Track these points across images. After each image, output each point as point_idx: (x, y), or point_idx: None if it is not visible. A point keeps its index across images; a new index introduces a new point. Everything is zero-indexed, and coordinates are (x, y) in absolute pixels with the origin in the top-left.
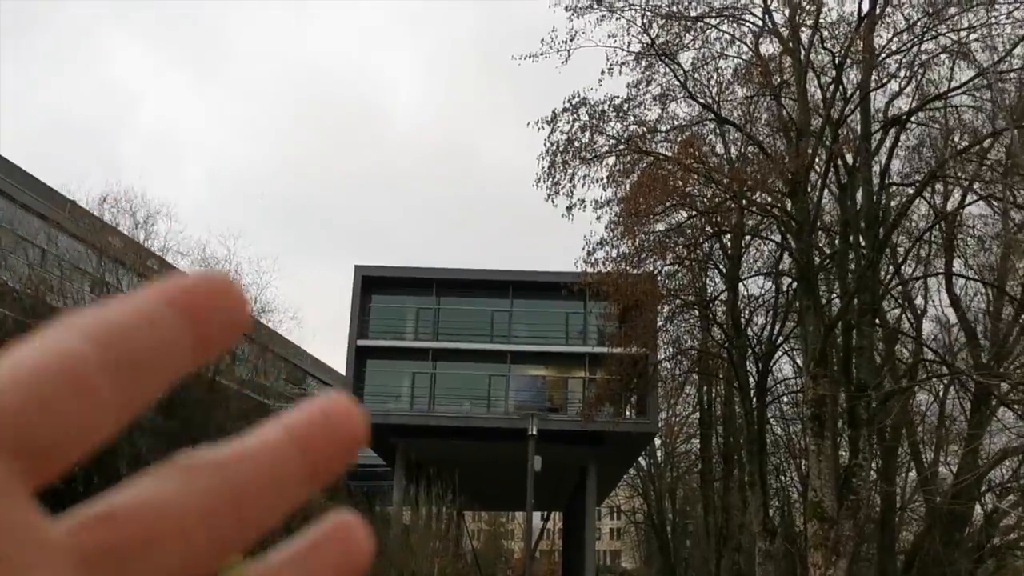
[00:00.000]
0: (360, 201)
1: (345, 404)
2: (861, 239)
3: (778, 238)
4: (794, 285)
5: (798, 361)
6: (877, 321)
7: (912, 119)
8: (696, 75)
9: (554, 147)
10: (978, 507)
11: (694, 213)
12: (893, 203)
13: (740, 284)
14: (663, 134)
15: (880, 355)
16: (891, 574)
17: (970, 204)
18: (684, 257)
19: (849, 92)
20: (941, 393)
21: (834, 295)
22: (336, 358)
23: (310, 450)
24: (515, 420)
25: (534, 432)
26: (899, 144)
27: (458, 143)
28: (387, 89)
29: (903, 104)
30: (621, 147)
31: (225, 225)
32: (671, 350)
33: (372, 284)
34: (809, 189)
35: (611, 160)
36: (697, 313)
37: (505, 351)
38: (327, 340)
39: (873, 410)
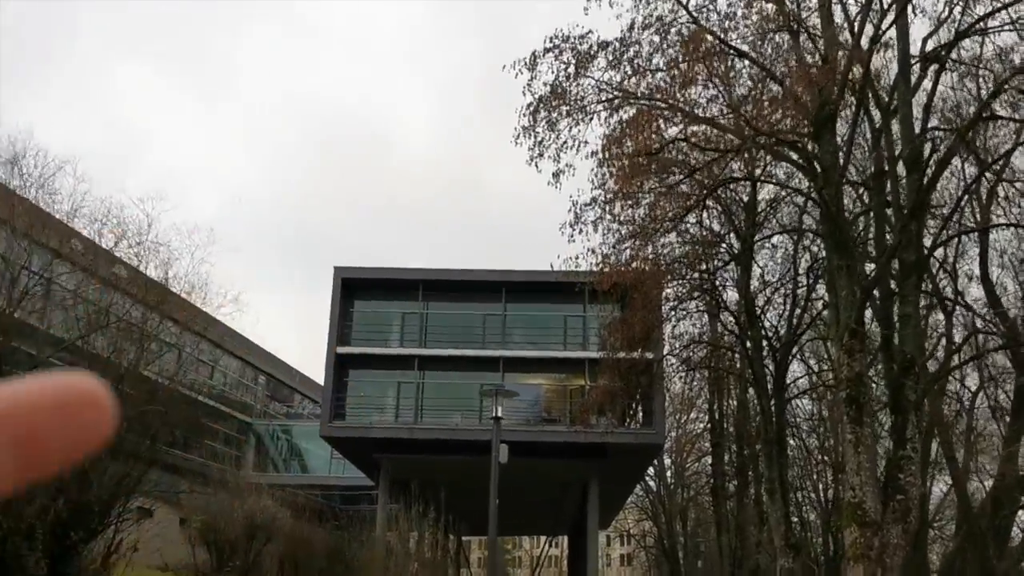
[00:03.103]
0: (362, 229)
1: (75, 378)
2: (900, 190)
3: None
4: (816, 263)
5: (811, 364)
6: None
7: (952, 56)
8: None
9: (536, 100)
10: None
11: (698, 165)
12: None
13: (754, 263)
14: (662, 75)
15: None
16: None
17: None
18: (692, 207)
19: (886, 3)
20: (974, 390)
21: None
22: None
23: (13, 425)
24: (512, 433)
25: (499, 415)
26: (937, 90)
27: (460, 171)
28: (390, 119)
29: (944, 38)
30: (613, 94)
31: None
32: (678, 345)
33: (353, 287)
34: (837, 133)
35: (601, 123)
36: (706, 300)
37: (498, 357)
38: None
39: (922, 390)
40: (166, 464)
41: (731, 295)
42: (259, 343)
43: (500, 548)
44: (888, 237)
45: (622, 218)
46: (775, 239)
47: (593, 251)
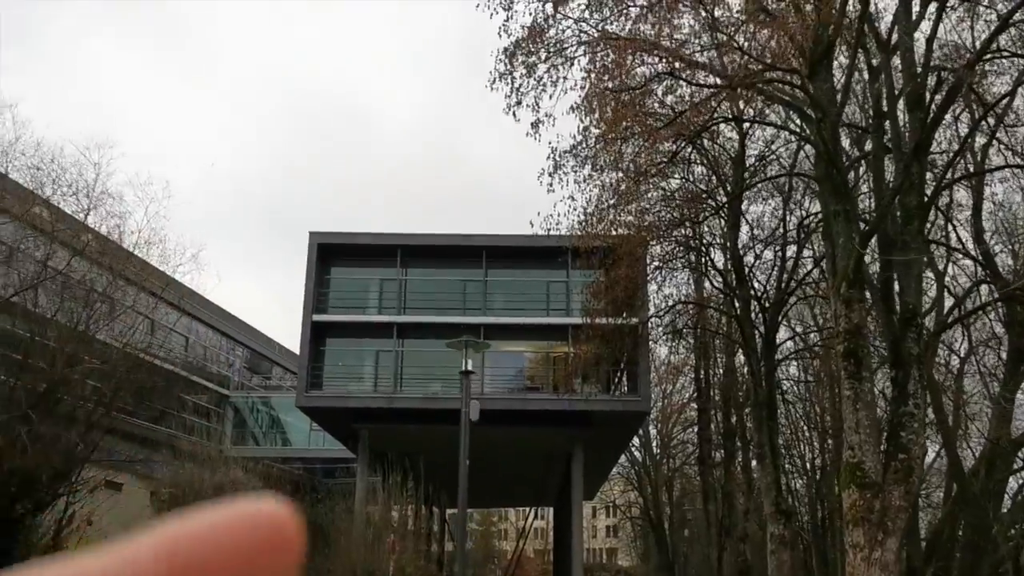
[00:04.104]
0: (347, 206)
1: (270, 518)
2: (901, 134)
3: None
4: (806, 219)
5: (797, 330)
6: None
7: None
8: None
9: (513, 43)
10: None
11: (684, 108)
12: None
13: (743, 220)
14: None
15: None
16: (914, 560)
17: None
18: (678, 152)
19: None
20: (963, 355)
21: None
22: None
23: None
24: (495, 401)
25: (469, 368)
26: (937, 31)
27: (444, 143)
28: (373, 92)
29: None
30: (593, 36)
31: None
32: (664, 307)
33: (330, 253)
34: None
35: (582, 69)
36: (692, 260)
37: (479, 324)
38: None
39: (925, 343)
40: (132, 435)
41: (718, 257)
42: (240, 316)
43: (487, 521)
44: (887, 184)
45: (604, 165)
46: (764, 195)
47: (573, 198)
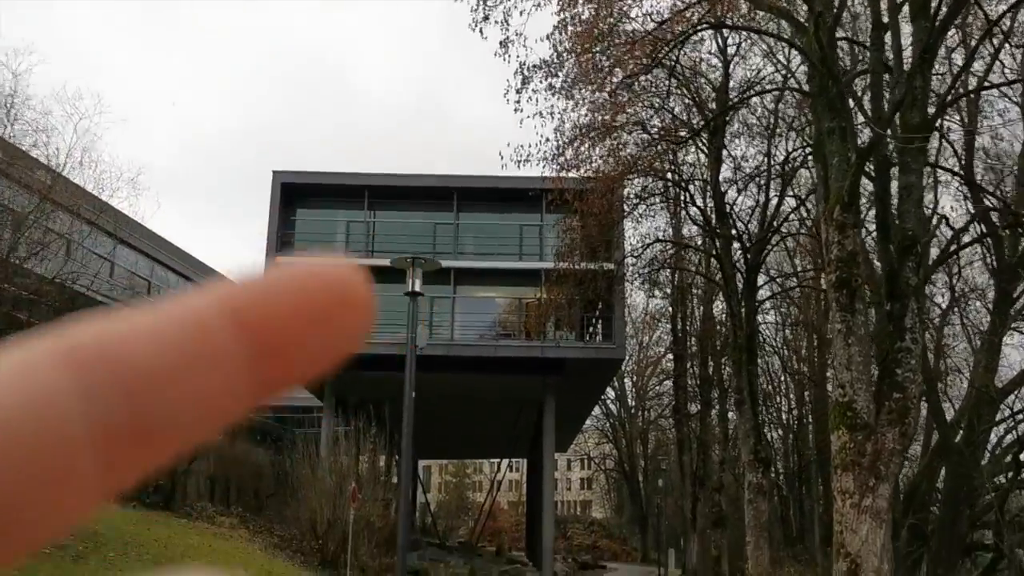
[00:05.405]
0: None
1: (333, 269)
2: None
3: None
4: (791, 156)
5: (770, 273)
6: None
7: None
8: None
9: None
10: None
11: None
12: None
13: (724, 151)
14: None
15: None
16: (893, 512)
17: None
18: (656, 63)
19: None
20: (944, 307)
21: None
22: None
23: (261, 334)
24: (465, 348)
25: (417, 288)
26: None
27: (422, 100)
28: (350, 47)
29: None
30: None
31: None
32: (640, 246)
33: (294, 194)
34: None
35: None
36: (671, 195)
37: (449, 268)
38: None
39: (925, 273)
40: None
41: (698, 199)
42: (213, 265)
43: (461, 472)
44: (885, 105)
45: (577, 79)
46: (747, 135)
47: (542, 114)
